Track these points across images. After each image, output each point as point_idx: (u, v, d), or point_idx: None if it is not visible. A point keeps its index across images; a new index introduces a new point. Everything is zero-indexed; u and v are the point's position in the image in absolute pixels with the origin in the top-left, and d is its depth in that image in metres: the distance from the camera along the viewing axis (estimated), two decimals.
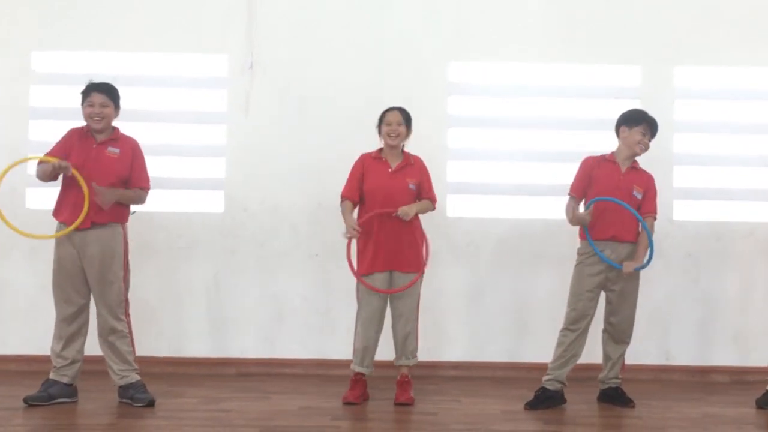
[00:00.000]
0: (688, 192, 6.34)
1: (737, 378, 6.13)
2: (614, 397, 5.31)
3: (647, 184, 5.31)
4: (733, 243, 6.26)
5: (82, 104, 5.12)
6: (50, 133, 6.17)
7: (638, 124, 5.28)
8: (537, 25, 6.35)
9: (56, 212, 5.10)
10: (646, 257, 5.20)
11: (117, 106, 5.16)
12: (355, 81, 6.27)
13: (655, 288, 6.23)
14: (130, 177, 5.14)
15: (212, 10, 6.33)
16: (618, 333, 5.31)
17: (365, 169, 5.29)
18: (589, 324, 5.27)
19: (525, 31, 6.36)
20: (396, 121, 5.29)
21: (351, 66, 6.30)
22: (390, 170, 5.29)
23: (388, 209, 5.14)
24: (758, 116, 6.38)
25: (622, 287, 5.24)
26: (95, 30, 6.29)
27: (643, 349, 6.11)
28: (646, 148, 5.31)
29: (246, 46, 6.30)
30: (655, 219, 5.32)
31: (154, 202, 6.17)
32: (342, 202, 5.29)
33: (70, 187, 5.03)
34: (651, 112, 6.24)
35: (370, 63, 6.31)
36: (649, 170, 6.10)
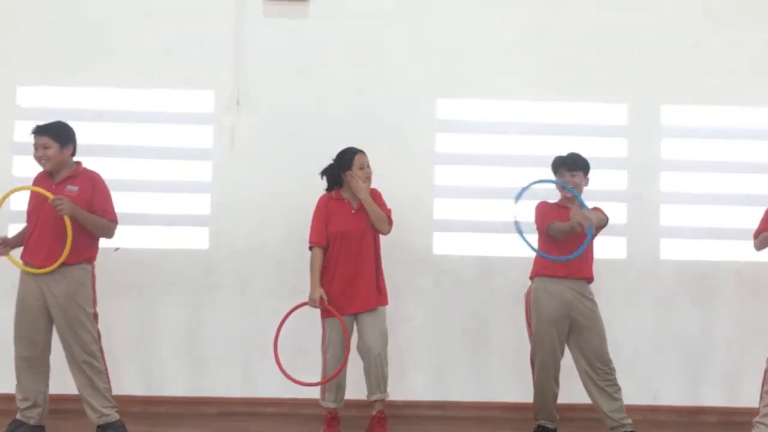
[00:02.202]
0: (675, 231, 6.32)
1: (725, 419, 6.08)
2: None
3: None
4: (720, 282, 6.23)
5: None
6: (35, 169, 6.17)
7: (556, 171, 5.40)
8: (525, 64, 6.37)
9: (22, 254, 5.06)
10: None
11: (65, 144, 5.06)
12: (342, 118, 6.26)
13: (641, 327, 6.21)
14: (93, 212, 5.02)
15: (199, 46, 6.33)
16: (594, 369, 5.25)
17: (329, 211, 5.32)
18: (548, 360, 5.24)
19: (513, 70, 6.37)
20: (367, 164, 5.35)
21: (338, 103, 6.30)
22: (353, 211, 5.32)
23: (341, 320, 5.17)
24: (745, 155, 6.38)
25: (581, 323, 5.24)
26: (81, 65, 6.28)
27: (630, 389, 6.04)
28: (574, 185, 5.30)
29: (232, 82, 6.30)
30: (605, 215, 5.29)
31: (139, 239, 6.16)
32: (311, 248, 5.32)
33: (33, 232, 5.01)
34: (638, 150, 6.32)
35: (357, 100, 6.30)
36: (635, 208, 6.16)
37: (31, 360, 4.98)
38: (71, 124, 6.03)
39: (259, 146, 6.28)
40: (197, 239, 6.27)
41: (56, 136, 5.06)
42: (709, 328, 6.24)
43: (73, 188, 5.00)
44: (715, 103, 6.39)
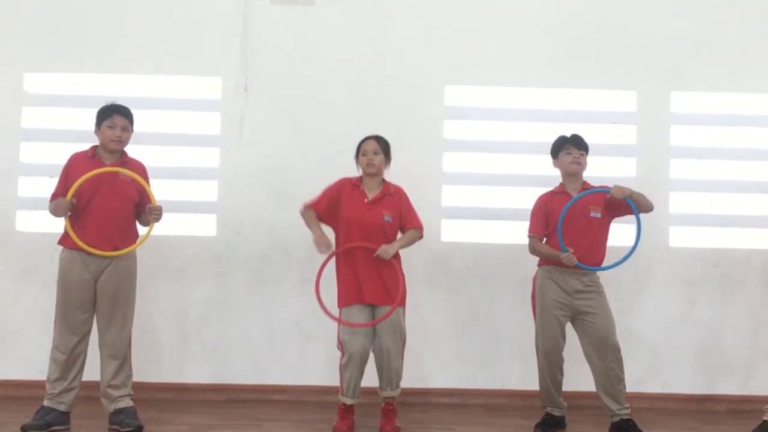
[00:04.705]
0: (685, 218, 6.29)
1: (734, 407, 6.05)
2: (625, 430, 5.19)
3: (604, 198, 5.25)
4: (730, 270, 6.20)
5: (98, 124, 5.02)
6: (42, 155, 6.17)
7: (561, 148, 5.34)
8: (534, 51, 6.34)
9: (66, 239, 4.91)
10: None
11: (132, 131, 5.12)
12: (350, 104, 6.23)
13: (650, 314, 6.19)
14: (140, 201, 5.05)
15: (206, 32, 6.31)
16: (600, 356, 5.21)
17: (342, 194, 5.17)
18: (551, 348, 5.21)
19: (521, 56, 6.34)
20: (372, 150, 5.17)
21: (346, 89, 6.27)
22: (366, 201, 5.16)
23: (369, 245, 5.02)
24: (755, 142, 6.35)
25: (587, 312, 5.20)
26: (89, 52, 6.26)
27: (639, 377, 6.04)
28: (581, 162, 5.29)
29: (240, 68, 6.27)
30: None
31: None
32: (305, 210, 5.17)
33: (86, 213, 4.90)
34: (648, 138, 6.29)
35: (366, 87, 6.27)
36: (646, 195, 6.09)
37: (75, 347, 4.93)
38: (77, 110, 6.09)
39: (266, 133, 6.26)
40: (205, 226, 6.26)
41: (132, 122, 5.10)
42: (719, 316, 6.20)
43: (125, 175, 4.95)
44: (725, 89, 6.36)
